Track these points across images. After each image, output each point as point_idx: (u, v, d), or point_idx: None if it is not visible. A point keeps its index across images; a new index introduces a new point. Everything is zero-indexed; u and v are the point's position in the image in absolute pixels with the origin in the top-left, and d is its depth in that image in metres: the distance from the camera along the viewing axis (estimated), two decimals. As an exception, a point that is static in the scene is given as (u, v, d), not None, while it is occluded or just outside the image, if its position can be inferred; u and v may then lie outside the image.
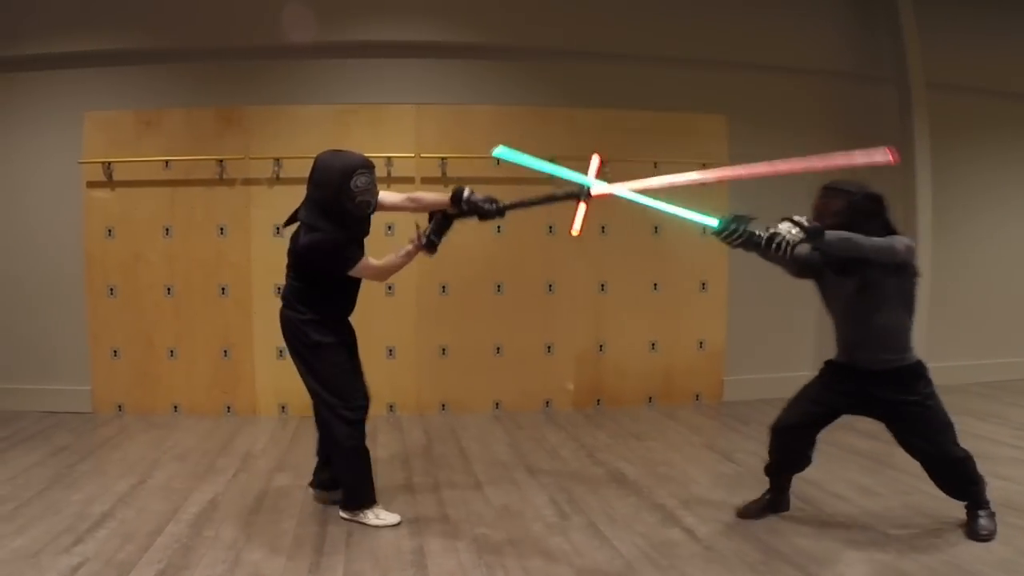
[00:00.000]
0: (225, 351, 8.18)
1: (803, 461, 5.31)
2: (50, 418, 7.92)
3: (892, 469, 6.31)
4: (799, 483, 5.69)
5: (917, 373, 4.86)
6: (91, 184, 8.04)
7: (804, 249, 4.43)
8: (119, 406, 8.23)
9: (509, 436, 7.48)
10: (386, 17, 8.07)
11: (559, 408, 8.64)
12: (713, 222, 4.41)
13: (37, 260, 8.20)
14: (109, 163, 7.96)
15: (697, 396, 8.92)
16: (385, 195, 5.19)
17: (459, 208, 5.00)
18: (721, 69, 8.78)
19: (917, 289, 4.80)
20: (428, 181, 8.02)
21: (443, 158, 8.03)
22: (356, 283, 5.22)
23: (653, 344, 8.81)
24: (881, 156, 4.26)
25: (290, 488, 5.82)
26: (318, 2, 7.87)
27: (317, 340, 5.05)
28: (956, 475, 4.94)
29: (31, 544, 4.68)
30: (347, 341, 5.25)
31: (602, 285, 8.64)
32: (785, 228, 4.27)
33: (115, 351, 8.17)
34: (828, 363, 5.22)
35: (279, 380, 7.95)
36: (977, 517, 4.95)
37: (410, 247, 4.97)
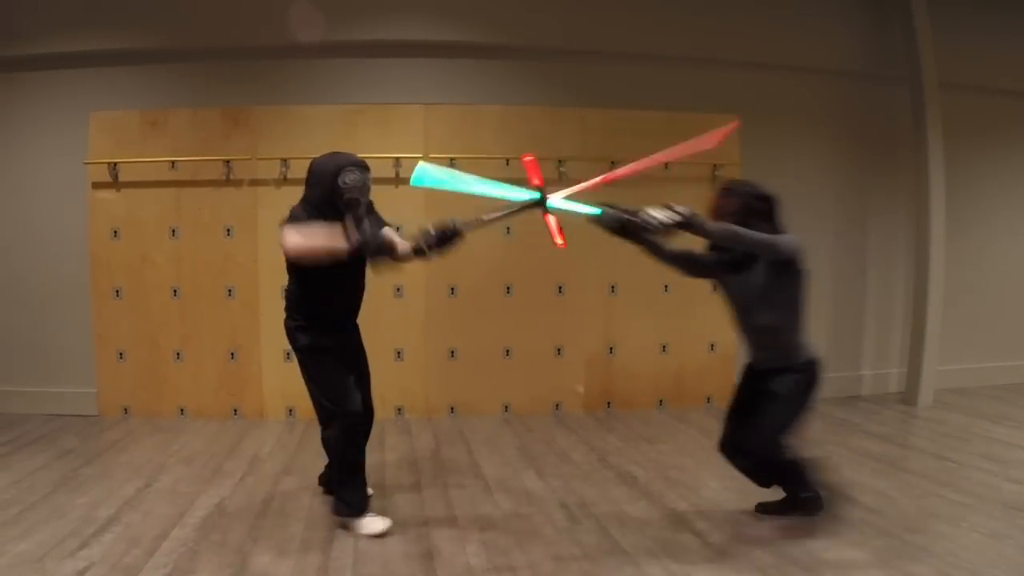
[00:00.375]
0: (232, 353, 8.18)
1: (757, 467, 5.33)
2: (55, 421, 7.93)
3: (906, 473, 6.31)
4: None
5: (798, 369, 4.92)
6: (96, 185, 8.04)
7: (665, 225, 4.56)
8: (125, 409, 8.23)
9: (518, 439, 7.47)
10: (394, 16, 8.07)
11: (569, 411, 8.63)
12: (595, 211, 4.84)
13: (42, 261, 8.21)
14: (115, 164, 7.96)
15: (708, 399, 8.89)
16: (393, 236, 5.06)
17: (425, 255, 4.80)
18: (733, 69, 8.79)
19: (804, 290, 4.92)
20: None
21: (452, 159, 8.01)
22: (352, 285, 5.25)
23: (664, 346, 8.80)
24: (728, 127, 4.99)
25: (297, 492, 5.82)
26: (326, 1, 7.86)
27: (306, 343, 5.08)
28: (770, 472, 5.15)
29: (36, 548, 4.68)
30: (344, 347, 5.23)
31: (612, 287, 8.63)
32: (660, 213, 4.48)
33: (121, 353, 8.17)
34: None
35: (286, 383, 7.93)
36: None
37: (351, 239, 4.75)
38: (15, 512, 5.31)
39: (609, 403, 8.73)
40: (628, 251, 8.46)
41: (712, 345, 8.87)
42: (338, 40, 8.01)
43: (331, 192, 4.83)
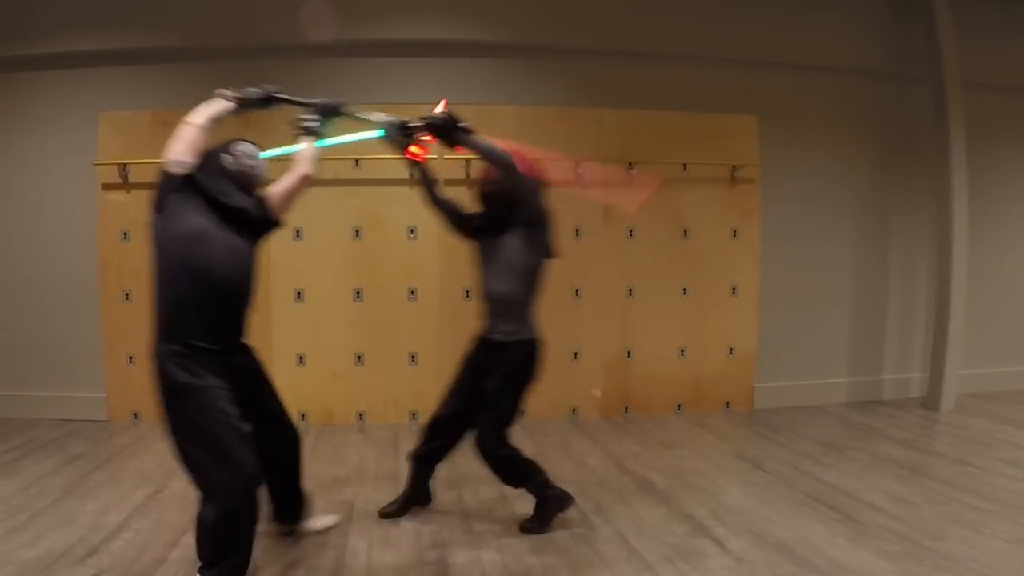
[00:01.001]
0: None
1: (445, 453, 5.62)
2: (65, 426, 7.95)
3: (928, 478, 6.30)
4: (830, 492, 5.70)
5: (514, 350, 5.16)
6: (106, 186, 8.06)
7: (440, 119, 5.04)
8: (135, 414, 8.25)
9: (535, 444, 7.45)
10: (407, 15, 8.08)
11: (586, 416, 8.62)
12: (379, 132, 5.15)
13: (51, 264, 8.22)
14: (125, 164, 7.96)
15: (727, 404, 8.89)
16: None
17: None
18: (751, 69, 8.77)
19: (544, 268, 5.19)
20: (452, 183, 8.02)
21: (467, 159, 8.02)
22: (229, 287, 4.26)
23: (682, 350, 8.79)
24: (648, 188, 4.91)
25: (310, 496, 5.82)
26: (339, 0, 7.87)
27: (179, 381, 4.03)
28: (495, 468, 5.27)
29: (45, 555, 4.69)
30: (226, 386, 4.16)
31: (630, 289, 8.62)
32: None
33: (131, 357, 8.18)
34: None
35: (298, 387, 7.94)
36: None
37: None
38: (24, 518, 5.32)
39: (626, 408, 8.72)
40: (645, 253, 8.46)
41: (731, 349, 8.86)
42: (351, 39, 8.02)
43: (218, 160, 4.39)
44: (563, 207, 8.12)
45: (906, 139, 9.25)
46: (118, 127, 8.03)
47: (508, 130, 7.94)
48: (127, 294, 8.14)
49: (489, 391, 5.12)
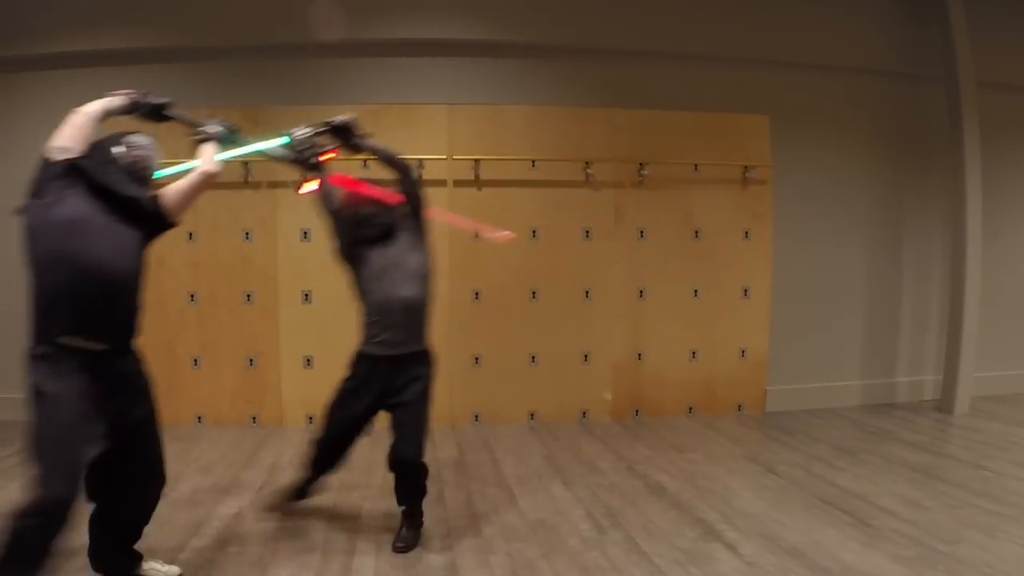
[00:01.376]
0: (251, 360, 8.19)
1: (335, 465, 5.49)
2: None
3: (941, 482, 6.30)
4: (843, 495, 5.70)
5: (430, 357, 5.24)
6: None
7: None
8: None
9: (545, 448, 7.48)
10: (417, 14, 8.09)
11: (596, 419, 8.62)
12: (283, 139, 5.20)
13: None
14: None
15: (739, 407, 8.89)
16: None
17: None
18: (763, 68, 8.77)
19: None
20: (461, 184, 8.05)
21: (476, 160, 8.04)
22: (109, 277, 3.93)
23: (694, 353, 8.79)
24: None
25: (318, 501, 5.83)
26: (347, -1, 7.89)
27: (35, 385, 3.75)
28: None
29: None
30: (93, 393, 3.82)
31: (641, 291, 8.62)
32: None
33: None
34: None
35: (306, 390, 8.00)
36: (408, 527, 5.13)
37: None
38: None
39: (637, 411, 8.73)
40: (656, 254, 8.44)
41: (743, 351, 8.85)
42: (359, 39, 8.03)
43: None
44: (572, 208, 8.16)
45: (919, 139, 9.23)
46: (119, 128, 7.98)
47: (519, 130, 7.96)
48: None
49: (415, 402, 5.05)
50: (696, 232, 8.62)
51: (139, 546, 4.46)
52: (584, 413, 8.61)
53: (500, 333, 8.44)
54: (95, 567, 4.36)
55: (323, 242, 8.13)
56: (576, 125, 8.34)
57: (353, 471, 6.40)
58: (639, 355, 8.70)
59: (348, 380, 5.18)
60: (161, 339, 8.07)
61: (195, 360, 8.20)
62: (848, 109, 9.07)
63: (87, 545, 4.31)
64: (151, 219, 4.08)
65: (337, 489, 5.99)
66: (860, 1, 8.97)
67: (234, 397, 8.23)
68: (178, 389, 8.14)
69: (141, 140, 4.29)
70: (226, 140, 4.57)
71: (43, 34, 7.99)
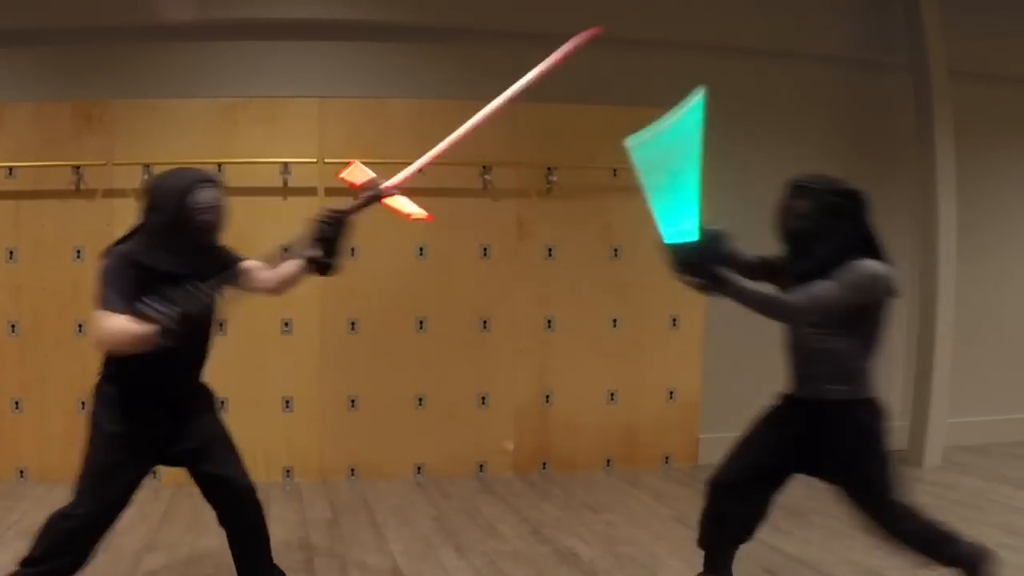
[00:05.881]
0: (83, 403, 8.09)
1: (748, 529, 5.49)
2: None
3: (909, 548, 6.42)
4: (790, 565, 5.83)
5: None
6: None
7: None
8: (21, 471, 8.24)
9: (434, 508, 7.65)
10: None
11: (496, 473, 8.77)
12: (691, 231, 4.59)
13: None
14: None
15: (666, 458, 9.07)
16: (260, 272, 5.13)
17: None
18: (697, 54, 8.89)
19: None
20: (333, 192, 8.16)
21: (352, 163, 8.08)
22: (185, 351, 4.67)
23: (612, 394, 8.95)
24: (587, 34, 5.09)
25: (161, 572, 5.88)
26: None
27: (97, 420, 4.87)
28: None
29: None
30: (150, 442, 4.79)
31: (549, 321, 8.78)
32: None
33: (16, 403, 8.17)
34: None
35: (150, 439, 7.97)
36: None
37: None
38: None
39: (545, 463, 8.90)
40: (568, 277, 8.55)
41: (671, 393, 9.07)
42: (213, 19, 8.10)
43: (179, 212, 4.55)
44: (466, 222, 8.20)
45: (883, 139, 9.47)
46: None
47: (403, 128, 8.02)
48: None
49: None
50: (615, 250, 8.82)
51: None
52: (481, 466, 8.77)
53: (380, 371, 8.53)
54: None
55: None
56: (470, 122, 8.40)
57: (204, 535, 6.43)
58: (547, 397, 8.83)
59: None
60: (-27, 377, 8.04)
61: (15, 403, 8.21)
62: (798, 103, 9.33)
63: None
64: None
65: (186, 559, 5.99)
66: (812, -25, 9.22)
67: (65, 447, 8.09)
68: (-7, 437, 8.17)
69: None
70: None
71: None
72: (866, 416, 4.89)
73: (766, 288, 4.76)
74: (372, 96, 8.39)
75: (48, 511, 7.08)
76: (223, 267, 4.82)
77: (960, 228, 9.03)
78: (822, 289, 4.50)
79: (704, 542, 5.29)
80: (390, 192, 5.09)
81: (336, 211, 4.88)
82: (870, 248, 4.71)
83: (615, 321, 8.81)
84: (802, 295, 4.53)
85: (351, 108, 8.38)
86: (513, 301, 8.66)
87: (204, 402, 5.01)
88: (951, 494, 7.97)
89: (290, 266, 5.02)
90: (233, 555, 5.00)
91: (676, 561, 6.23)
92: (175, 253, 4.55)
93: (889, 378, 9.58)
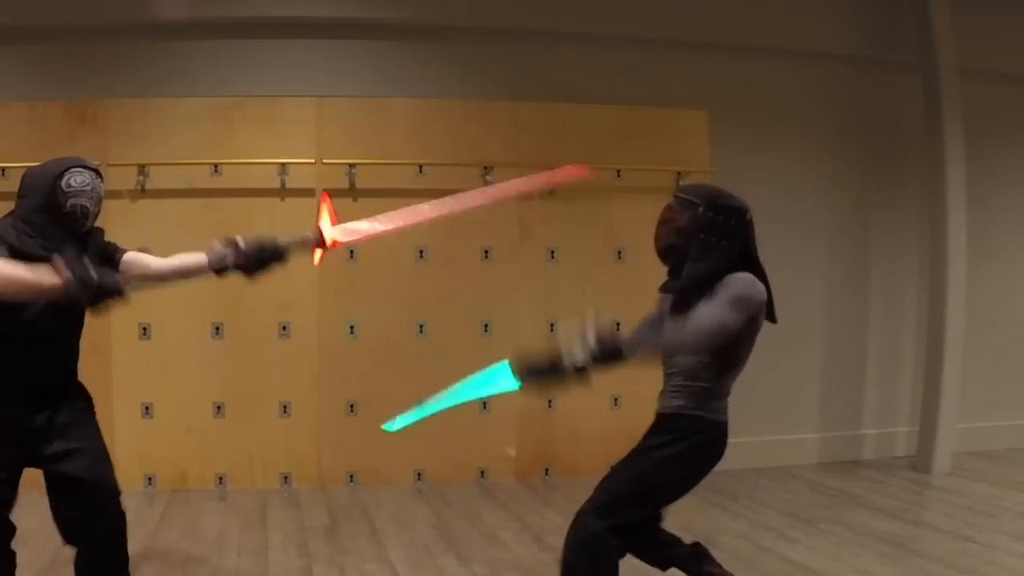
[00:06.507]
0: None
1: None
2: None
3: (918, 556, 6.43)
4: (798, 574, 5.79)
5: None
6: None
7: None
8: None
9: (435, 515, 7.62)
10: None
11: (498, 479, 8.74)
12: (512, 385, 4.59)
13: None
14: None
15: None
16: (148, 259, 4.93)
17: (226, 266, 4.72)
18: (702, 53, 8.91)
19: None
20: (332, 194, 8.01)
21: (351, 164, 8.19)
22: (46, 341, 4.56)
23: (616, 399, 8.93)
24: (576, 171, 5.15)
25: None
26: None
27: None
28: None
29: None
30: (17, 436, 4.52)
31: (551, 324, 8.64)
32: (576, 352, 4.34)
33: None
34: None
35: (145, 444, 8.08)
36: None
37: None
38: None
39: (547, 469, 8.88)
40: (570, 278, 8.49)
41: (675, 398, 8.90)
42: (209, 17, 8.10)
43: (50, 199, 4.40)
44: (467, 224, 8.16)
45: (891, 140, 9.43)
46: None
47: (403, 128, 7.98)
48: None
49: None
50: (619, 252, 8.81)
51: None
52: (482, 472, 8.73)
53: (380, 375, 8.48)
54: None
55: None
56: (473, 122, 8.48)
57: (200, 542, 6.43)
58: (549, 403, 8.77)
59: None
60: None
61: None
62: (804, 103, 9.29)
63: None
64: None
65: (182, 564, 6.00)
66: (818, -29, 9.18)
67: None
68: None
69: None
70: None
71: None
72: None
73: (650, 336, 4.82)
74: (371, 95, 8.37)
75: (38, 521, 6.86)
76: (102, 258, 4.66)
77: (969, 230, 8.94)
78: (705, 318, 4.32)
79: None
80: (334, 246, 4.94)
81: (273, 245, 4.70)
82: (748, 266, 4.51)
83: (619, 325, 8.64)
84: (688, 330, 4.36)
85: (350, 107, 8.36)
86: (515, 304, 8.64)
87: (77, 402, 4.78)
88: (961, 500, 7.92)
89: (191, 260, 4.74)
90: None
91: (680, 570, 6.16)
92: (46, 238, 4.36)
93: (897, 384, 9.66)
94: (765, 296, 4.40)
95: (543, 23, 8.52)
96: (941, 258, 8.89)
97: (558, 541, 6.52)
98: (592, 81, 8.68)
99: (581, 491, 8.00)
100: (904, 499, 8.01)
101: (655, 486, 4.60)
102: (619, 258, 8.77)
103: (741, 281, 4.33)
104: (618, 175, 8.55)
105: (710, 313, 4.24)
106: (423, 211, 4.96)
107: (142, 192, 8.00)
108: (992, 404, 9.96)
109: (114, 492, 4.74)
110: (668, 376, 4.75)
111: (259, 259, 4.63)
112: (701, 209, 4.44)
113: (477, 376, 4.67)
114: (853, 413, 9.55)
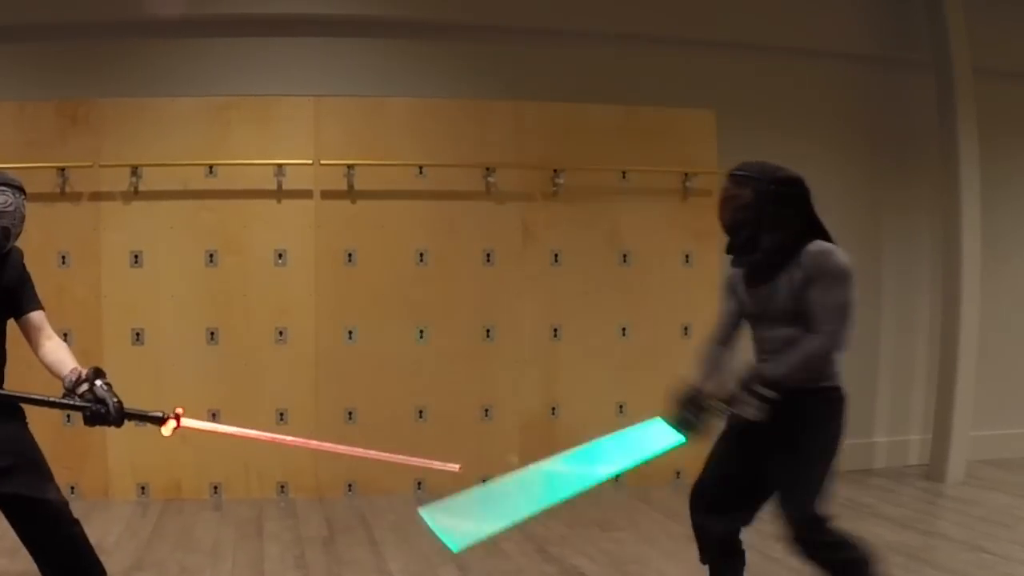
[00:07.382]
0: (67, 416, 8.04)
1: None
2: None
3: (931, 567, 6.42)
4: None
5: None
6: None
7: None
8: None
9: (435, 524, 7.47)
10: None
11: (500, 489, 8.59)
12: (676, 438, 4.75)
13: None
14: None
15: (678, 473, 8.88)
16: (42, 333, 4.73)
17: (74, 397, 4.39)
18: (709, 52, 8.88)
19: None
20: (330, 196, 8.10)
21: (350, 166, 8.16)
22: None
23: (621, 406, 8.86)
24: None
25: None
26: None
27: None
28: None
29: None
30: None
31: (555, 330, 8.73)
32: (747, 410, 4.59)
33: None
34: None
35: (138, 453, 8.03)
36: None
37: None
38: None
39: (551, 478, 8.71)
40: (575, 283, 8.46)
41: (683, 405, 8.89)
42: (204, 14, 8.08)
43: None
44: (469, 226, 8.11)
45: (903, 141, 9.40)
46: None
47: (403, 128, 7.95)
48: None
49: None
50: (624, 255, 8.76)
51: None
52: (484, 481, 8.55)
53: (379, 382, 8.47)
54: None
55: (159, 267, 8.04)
56: (474, 122, 8.46)
57: (194, 552, 6.39)
58: (553, 409, 8.78)
59: None
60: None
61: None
62: (814, 103, 9.26)
63: None
64: None
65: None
66: (828, -32, 9.16)
67: (48, 461, 8.08)
68: (-25, 452, 8.03)
69: None
70: None
71: None
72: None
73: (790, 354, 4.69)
74: (370, 94, 8.34)
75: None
76: (16, 284, 4.60)
77: (984, 233, 8.91)
78: (831, 307, 4.63)
79: (703, 558, 5.23)
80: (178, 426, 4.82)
81: (118, 406, 4.30)
82: (816, 233, 4.74)
83: (624, 329, 8.75)
84: (824, 332, 4.61)
85: (348, 107, 8.33)
86: (518, 309, 8.61)
87: (6, 414, 4.55)
88: (975, 510, 7.88)
89: (63, 366, 4.46)
90: None
91: (687, 580, 6.15)
92: None
93: (909, 391, 9.62)
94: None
95: (546, 20, 8.50)
96: (954, 262, 8.86)
97: (561, 551, 6.55)
98: (596, 80, 8.65)
99: (585, 501, 7.98)
100: (917, 508, 7.99)
101: (828, 462, 4.77)
102: (624, 261, 8.73)
103: (828, 255, 4.60)
104: (623, 176, 8.52)
105: (825, 304, 4.59)
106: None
107: (135, 194, 7.97)
108: (1006, 411, 9.92)
109: (59, 504, 4.53)
110: (773, 354, 4.82)
111: (95, 413, 4.23)
112: (763, 183, 4.58)
113: (625, 439, 4.81)
114: (864, 421, 9.47)
